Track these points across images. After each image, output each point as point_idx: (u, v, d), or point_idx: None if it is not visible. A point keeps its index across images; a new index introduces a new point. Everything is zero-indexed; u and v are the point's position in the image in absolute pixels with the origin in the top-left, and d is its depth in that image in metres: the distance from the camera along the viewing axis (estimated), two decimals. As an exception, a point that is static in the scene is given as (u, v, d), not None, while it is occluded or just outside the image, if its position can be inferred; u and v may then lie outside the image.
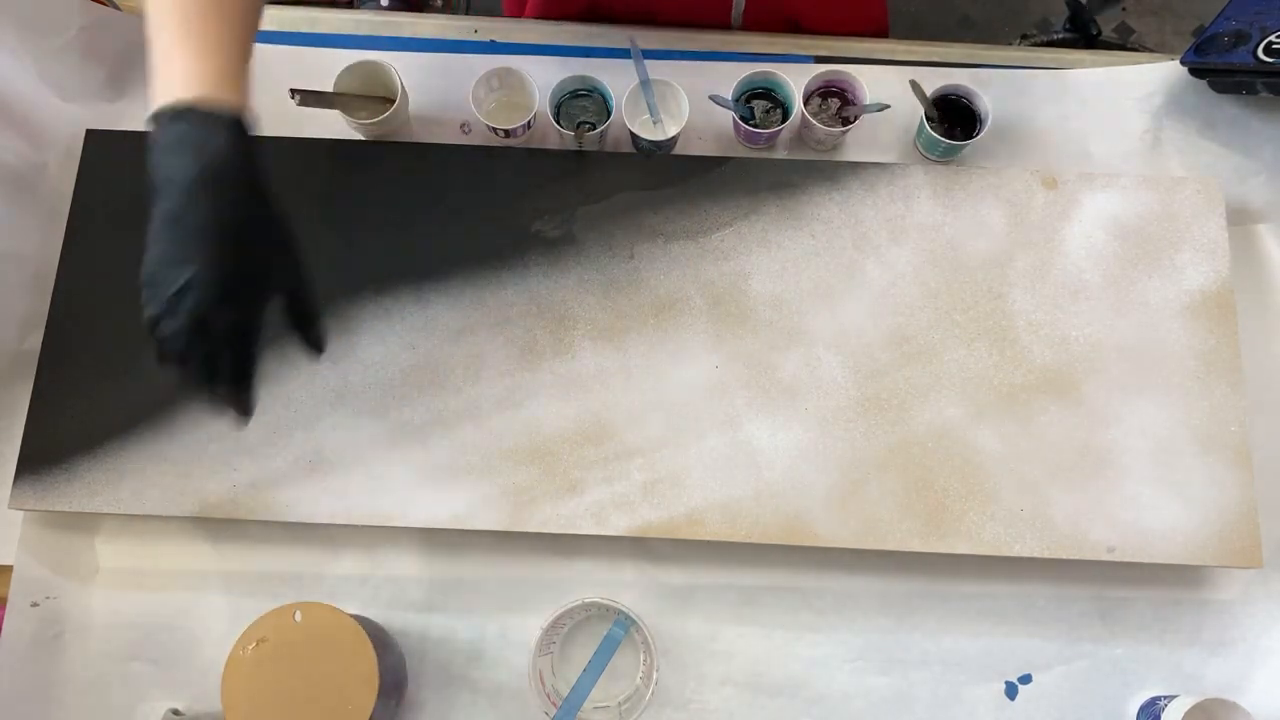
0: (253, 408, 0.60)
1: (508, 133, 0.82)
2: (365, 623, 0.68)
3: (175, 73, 0.54)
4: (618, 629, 0.72)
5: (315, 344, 0.63)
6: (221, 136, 0.54)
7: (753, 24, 0.94)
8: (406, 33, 0.92)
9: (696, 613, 0.77)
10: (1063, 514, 0.74)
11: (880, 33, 1.01)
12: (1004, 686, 0.76)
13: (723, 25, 0.94)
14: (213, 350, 0.56)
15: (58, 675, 0.76)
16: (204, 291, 0.54)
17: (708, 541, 0.75)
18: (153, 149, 0.54)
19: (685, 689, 0.76)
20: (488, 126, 0.82)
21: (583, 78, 0.83)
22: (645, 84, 0.81)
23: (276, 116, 0.86)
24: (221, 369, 0.57)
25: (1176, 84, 0.88)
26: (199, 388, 0.57)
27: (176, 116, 0.53)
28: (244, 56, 0.57)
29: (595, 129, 0.82)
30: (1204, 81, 0.86)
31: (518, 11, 0.99)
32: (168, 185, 0.53)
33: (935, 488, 0.75)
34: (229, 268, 0.55)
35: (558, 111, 0.84)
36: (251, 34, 0.59)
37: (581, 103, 0.85)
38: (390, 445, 0.76)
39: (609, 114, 0.83)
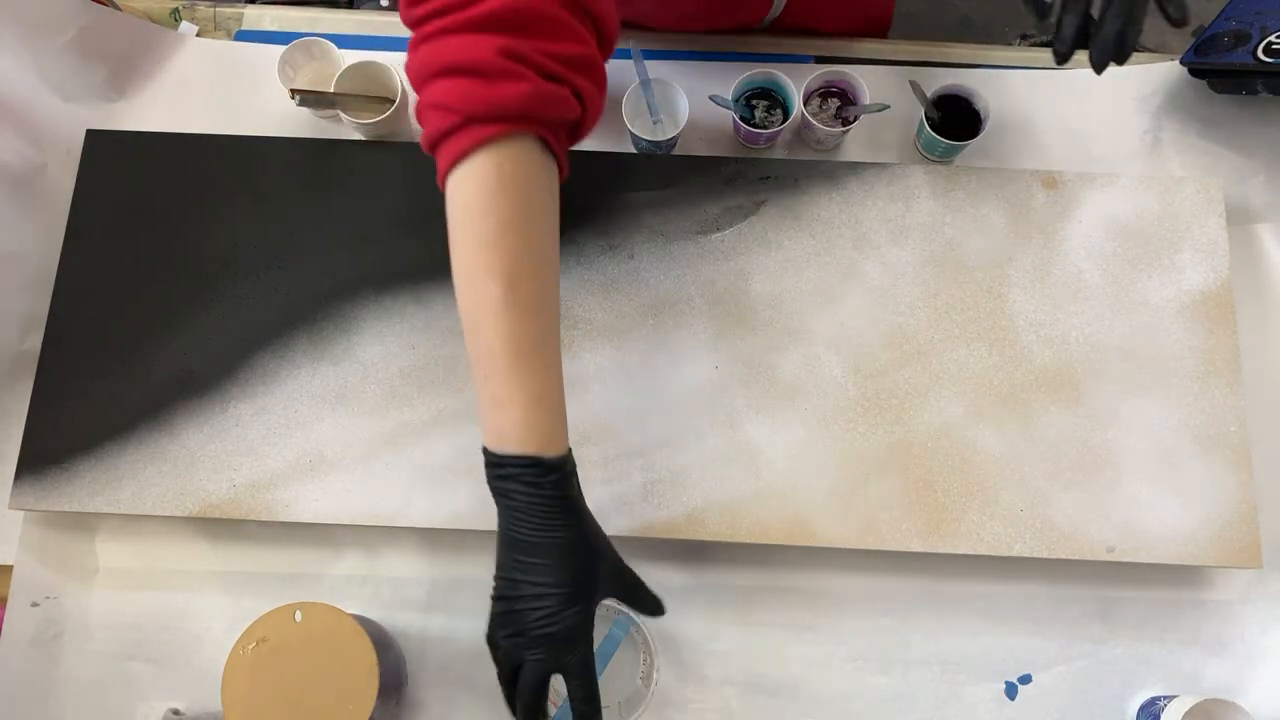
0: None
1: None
2: (365, 623, 0.68)
3: (508, 422, 0.58)
4: (618, 629, 0.72)
5: (653, 609, 0.65)
6: (556, 476, 0.58)
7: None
8: (407, 33, 0.91)
9: (696, 613, 0.77)
10: (1062, 514, 0.74)
11: (882, 30, 1.01)
12: (1004, 686, 0.76)
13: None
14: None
15: (58, 675, 0.76)
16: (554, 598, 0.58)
17: (708, 541, 0.75)
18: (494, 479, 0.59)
19: (685, 689, 0.76)
20: None
21: (583, 78, 0.83)
22: (645, 84, 0.81)
23: (276, 116, 0.87)
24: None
25: (1176, 84, 0.88)
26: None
27: (517, 463, 0.58)
28: (563, 403, 0.60)
29: (595, 129, 0.82)
30: (1204, 82, 0.86)
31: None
32: (511, 514, 0.59)
33: (935, 488, 0.75)
34: (568, 578, 0.58)
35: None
36: (561, 377, 0.61)
37: (581, 103, 0.85)
38: (390, 445, 0.76)
39: (609, 114, 0.83)
